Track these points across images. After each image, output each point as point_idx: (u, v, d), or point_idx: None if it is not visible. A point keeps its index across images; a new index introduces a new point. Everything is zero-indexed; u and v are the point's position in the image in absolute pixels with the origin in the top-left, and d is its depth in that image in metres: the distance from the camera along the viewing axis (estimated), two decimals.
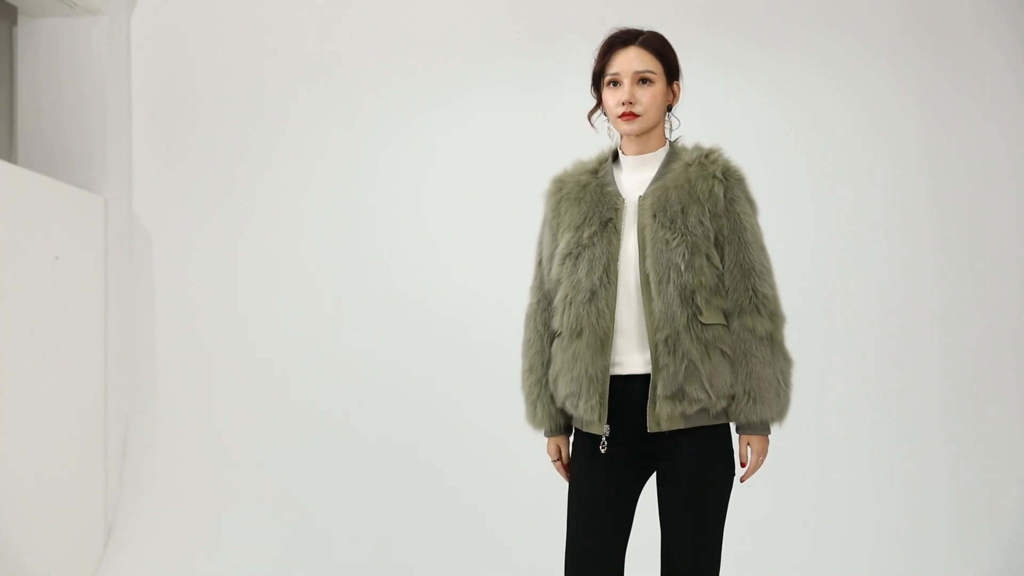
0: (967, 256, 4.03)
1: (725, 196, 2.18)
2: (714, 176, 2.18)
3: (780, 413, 2.19)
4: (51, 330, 3.86)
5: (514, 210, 3.51)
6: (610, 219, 2.20)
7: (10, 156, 4.31)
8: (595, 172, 2.29)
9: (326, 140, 4.31)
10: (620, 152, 2.30)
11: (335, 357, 4.20)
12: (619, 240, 2.18)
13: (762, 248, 2.22)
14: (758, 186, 4.04)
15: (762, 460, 2.20)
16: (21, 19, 4.26)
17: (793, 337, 4.00)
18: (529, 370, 2.31)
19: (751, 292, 2.17)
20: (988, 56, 4.07)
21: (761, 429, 2.17)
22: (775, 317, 2.22)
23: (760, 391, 2.15)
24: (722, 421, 2.17)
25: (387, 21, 4.33)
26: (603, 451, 2.17)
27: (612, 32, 2.29)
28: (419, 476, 4.10)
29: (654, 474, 2.24)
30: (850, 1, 4.16)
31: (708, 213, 2.16)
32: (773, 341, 2.20)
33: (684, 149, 2.28)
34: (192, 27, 4.41)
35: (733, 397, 2.15)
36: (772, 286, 2.22)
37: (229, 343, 4.26)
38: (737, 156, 4.13)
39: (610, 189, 2.24)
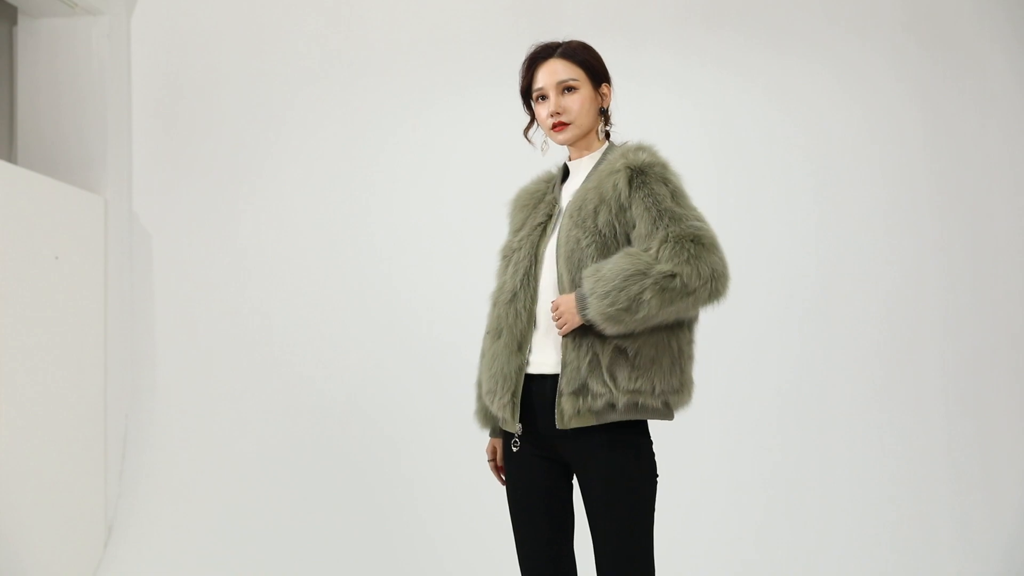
0: (967, 256, 4.04)
1: (630, 185, 2.12)
2: (617, 171, 2.15)
3: (598, 307, 2.04)
4: (51, 330, 3.86)
5: None
6: (540, 223, 2.28)
7: (10, 156, 4.31)
8: (550, 181, 2.37)
9: (326, 140, 4.31)
10: (567, 160, 2.36)
11: (335, 357, 4.21)
12: (544, 243, 2.24)
13: (681, 205, 2.10)
14: (759, 186, 4.09)
15: (557, 319, 2.11)
16: (21, 19, 4.26)
17: (794, 337, 4.05)
18: (479, 366, 2.38)
19: (663, 232, 2.06)
20: (988, 56, 4.07)
21: (578, 299, 2.08)
22: (685, 258, 2.04)
23: (603, 278, 2.04)
24: (632, 417, 2.12)
25: (387, 21, 4.33)
26: (515, 449, 2.22)
27: (532, 48, 2.31)
28: (419, 475, 4.10)
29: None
30: (850, 1, 4.17)
31: (614, 210, 2.13)
32: (657, 272, 2.03)
33: (618, 148, 2.26)
34: (192, 27, 4.41)
35: (634, 391, 2.10)
36: (694, 227, 2.07)
37: (229, 343, 4.26)
38: (737, 156, 4.18)
39: (550, 196, 2.31)
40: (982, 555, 3.82)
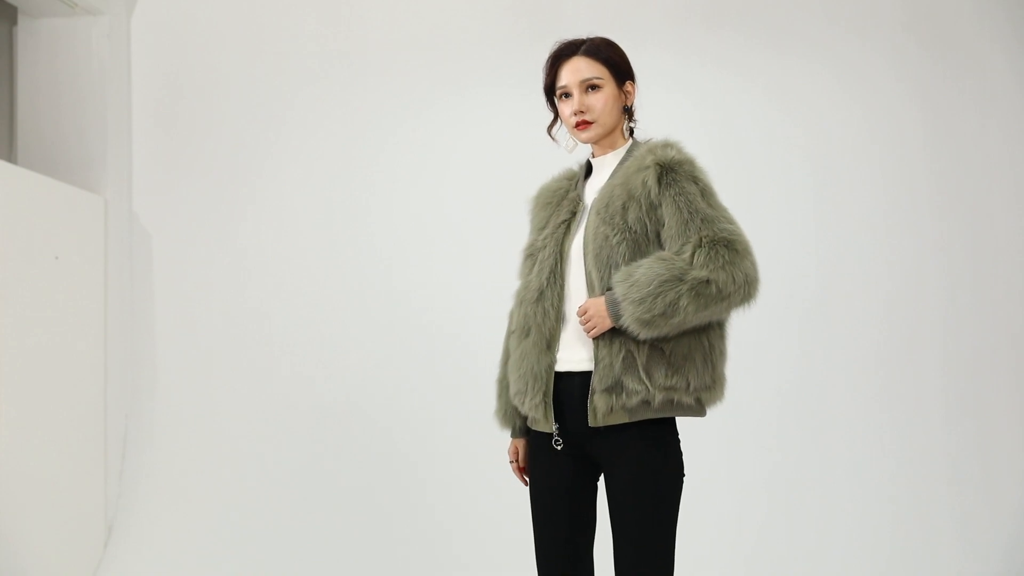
0: (967, 256, 4.04)
1: (660, 183, 2.12)
2: (646, 167, 2.15)
3: (633, 313, 2.04)
4: (51, 330, 3.86)
5: (514, 210, 3.51)
6: (565, 220, 2.26)
7: (10, 156, 4.31)
8: (572, 178, 2.36)
9: (326, 140, 4.31)
10: (590, 157, 2.35)
11: (335, 356, 4.20)
12: (569, 240, 2.23)
13: (712, 205, 2.11)
14: (759, 186, 4.09)
15: (585, 323, 2.11)
16: (21, 19, 4.26)
17: (794, 337, 4.04)
18: (501, 365, 2.38)
19: (696, 236, 2.07)
20: (988, 56, 4.07)
21: (610, 304, 2.08)
22: (717, 260, 2.05)
23: (636, 283, 2.05)
24: (667, 414, 2.12)
25: (387, 21, 4.33)
26: (558, 448, 2.20)
27: (556, 45, 2.31)
28: (420, 475, 4.10)
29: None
30: (850, 1, 4.17)
31: (644, 208, 2.13)
32: (692, 278, 2.03)
33: (643, 145, 2.25)
34: (192, 27, 4.41)
35: (670, 388, 2.10)
36: (726, 231, 2.08)
37: (229, 343, 4.26)
38: (737, 156, 4.18)
39: (573, 194, 2.30)
40: (982, 555, 3.82)
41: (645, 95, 4.05)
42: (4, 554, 3.55)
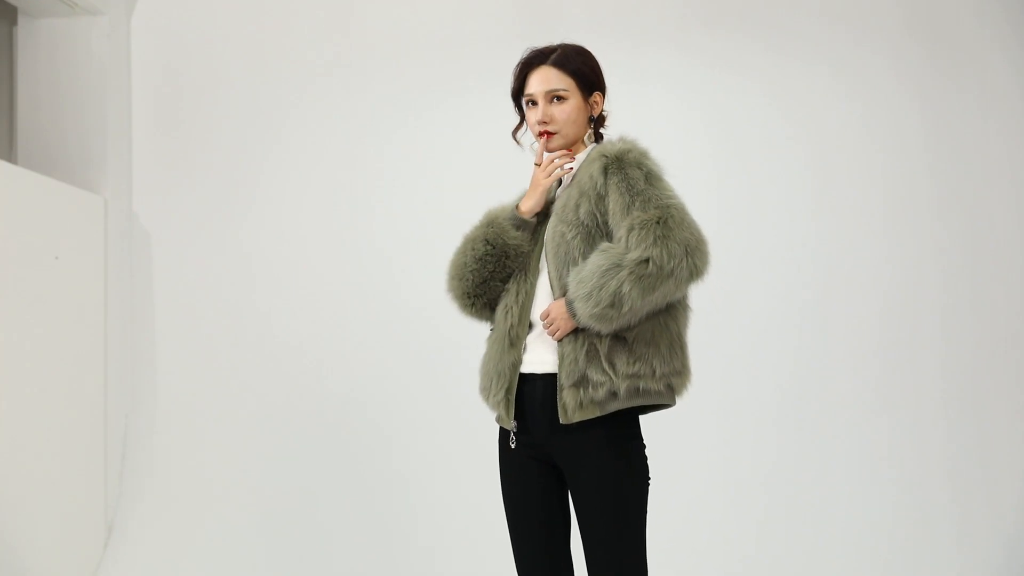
0: (967, 256, 4.04)
1: (605, 173, 2.14)
2: (593, 161, 2.18)
3: (584, 310, 2.05)
4: (51, 330, 3.86)
5: None
6: (539, 223, 2.30)
7: (10, 156, 4.31)
8: (553, 190, 2.38)
9: (326, 140, 4.31)
10: None
11: (335, 357, 4.20)
12: (539, 243, 2.26)
13: (653, 186, 2.11)
14: (759, 186, 4.09)
15: (549, 326, 2.13)
16: (21, 19, 4.26)
17: (793, 337, 4.04)
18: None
19: (629, 219, 2.07)
20: (988, 56, 4.08)
21: (567, 305, 2.10)
22: (653, 245, 2.03)
23: (583, 279, 2.06)
24: (636, 402, 2.10)
25: (387, 21, 4.33)
26: (512, 446, 2.22)
27: (526, 52, 2.31)
28: (422, 476, 4.10)
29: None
30: (850, 1, 4.17)
31: (593, 200, 2.15)
32: (629, 261, 2.02)
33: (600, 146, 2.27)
34: (192, 27, 4.41)
35: (634, 376, 2.09)
36: (661, 206, 2.06)
37: (229, 343, 4.26)
38: (737, 156, 4.17)
39: (549, 198, 2.33)
40: (982, 555, 3.82)
41: (645, 96, 4.08)
42: (4, 554, 3.55)
